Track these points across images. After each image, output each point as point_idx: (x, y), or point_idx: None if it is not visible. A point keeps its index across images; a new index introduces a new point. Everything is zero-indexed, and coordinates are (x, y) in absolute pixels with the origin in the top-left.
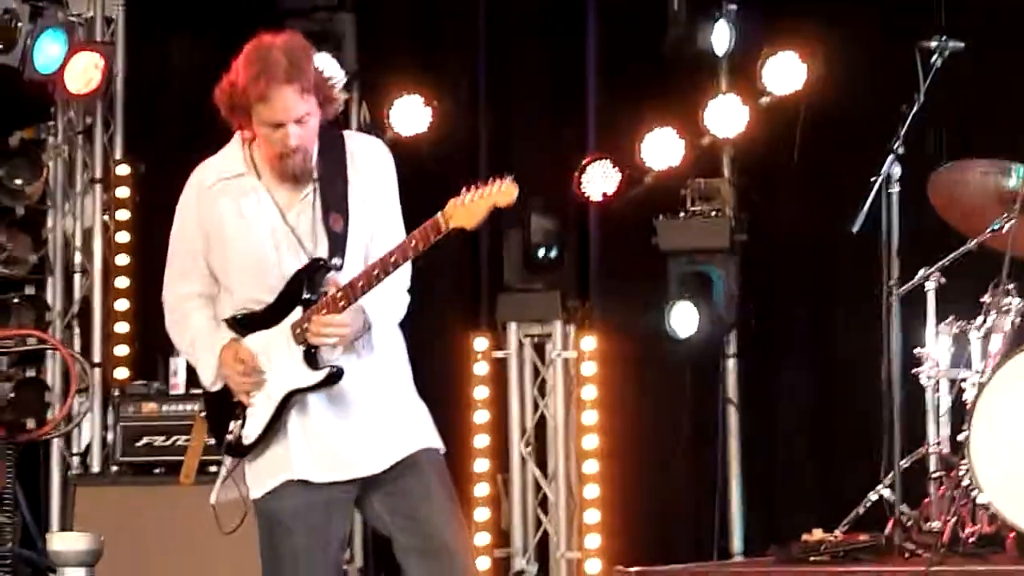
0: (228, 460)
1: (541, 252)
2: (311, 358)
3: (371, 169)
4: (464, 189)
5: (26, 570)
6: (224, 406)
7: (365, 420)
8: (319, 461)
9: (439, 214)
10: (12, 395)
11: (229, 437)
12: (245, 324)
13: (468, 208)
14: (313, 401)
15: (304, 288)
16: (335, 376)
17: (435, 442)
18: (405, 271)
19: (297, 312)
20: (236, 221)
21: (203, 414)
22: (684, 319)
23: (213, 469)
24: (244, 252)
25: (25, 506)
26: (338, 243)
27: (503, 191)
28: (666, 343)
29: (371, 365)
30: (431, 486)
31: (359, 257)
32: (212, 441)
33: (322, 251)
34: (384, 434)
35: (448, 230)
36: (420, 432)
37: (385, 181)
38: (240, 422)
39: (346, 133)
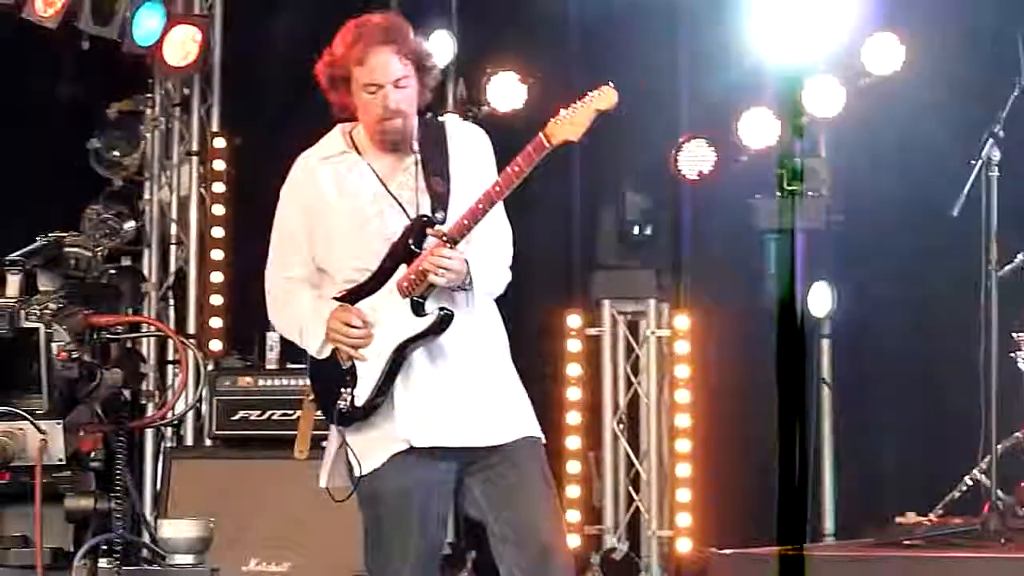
0: (334, 442)
1: (636, 230)
2: (418, 307)
3: (471, 149)
4: (563, 109)
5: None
6: (333, 376)
7: (468, 387)
8: (424, 421)
9: (540, 134)
10: (120, 387)
11: (341, 404)
12: (351, 297)
13: (570, 119)
14: (418, 363)
15: (409, 244)
16: (445, 319)
17: (537, 431)
18: (506, 247)
19: (402, 270)
20: (340, 197)
21: (311, 398)
22: (827, 297)
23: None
24: (348, 222)
25: (136, 493)
26: (440, 200)
27: (603, 95)
28: (760, 322)
29: (473, 333)
30: (532, 477)
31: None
32: (321, 415)
33: (424, 210)
34: (487, 410)
35: (553, 146)
36: (523, 419)
37: (485, 161)
38: (351, 388)
39: (446, 117)
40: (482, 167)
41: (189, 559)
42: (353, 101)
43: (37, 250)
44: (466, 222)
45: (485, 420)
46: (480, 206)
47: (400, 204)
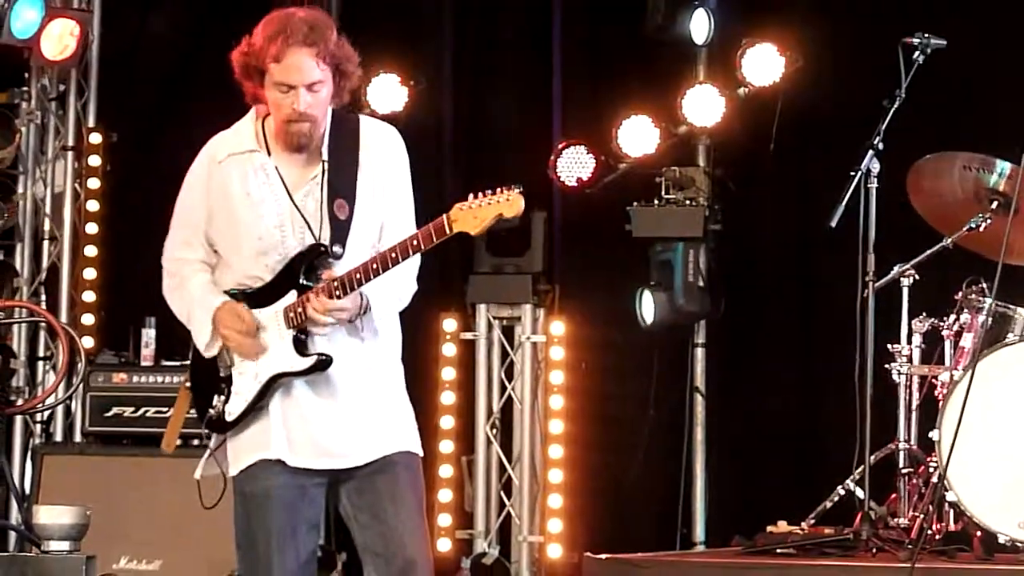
0: (214, 436)
1: (513, 235)
2: (300, 344)
3: (384, 157)
4: (471, 195)
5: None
6: (211, 379)
7: (348, 412)
8: (297, 446)
9: (444, 216)
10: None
11: (211, 412)
12: (241, 300)
13: (474, 213)
14: (299, 385)
15: (301, 273)
16: (322, 364)
17: (415, 447)
18: (414, 262)
19: (291, 296)
20: (243, 199)
21: (188, 385)
22: (650, 306)
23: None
24: (249, 230)
25: (12, 478)
26: (341, 231)
27: (511, 202)
28: (635, 330)
29: (364, 356)
30: (401, 491)
31: (363, 247)
32: (194, 413)
33: (325, 237)
34: (364, 430)
35: (452, 233)
36: (401, 433)
37: (398, 171)
38: (224, 397)
39: (361, 118)
40: (395, 184)
41: (64, 546)
42: (264, 94)
43: None
44: (358, 277)
45: (361, 440)
46: (374, 267)
47: (304, 218)
